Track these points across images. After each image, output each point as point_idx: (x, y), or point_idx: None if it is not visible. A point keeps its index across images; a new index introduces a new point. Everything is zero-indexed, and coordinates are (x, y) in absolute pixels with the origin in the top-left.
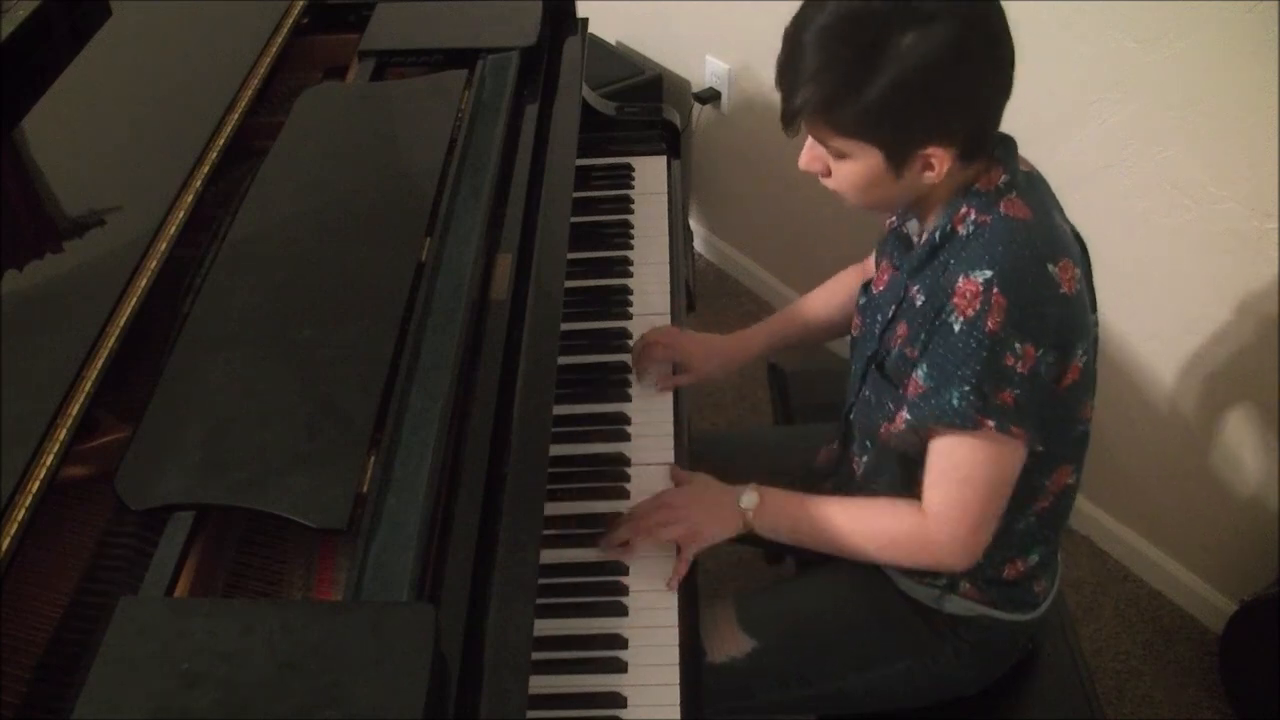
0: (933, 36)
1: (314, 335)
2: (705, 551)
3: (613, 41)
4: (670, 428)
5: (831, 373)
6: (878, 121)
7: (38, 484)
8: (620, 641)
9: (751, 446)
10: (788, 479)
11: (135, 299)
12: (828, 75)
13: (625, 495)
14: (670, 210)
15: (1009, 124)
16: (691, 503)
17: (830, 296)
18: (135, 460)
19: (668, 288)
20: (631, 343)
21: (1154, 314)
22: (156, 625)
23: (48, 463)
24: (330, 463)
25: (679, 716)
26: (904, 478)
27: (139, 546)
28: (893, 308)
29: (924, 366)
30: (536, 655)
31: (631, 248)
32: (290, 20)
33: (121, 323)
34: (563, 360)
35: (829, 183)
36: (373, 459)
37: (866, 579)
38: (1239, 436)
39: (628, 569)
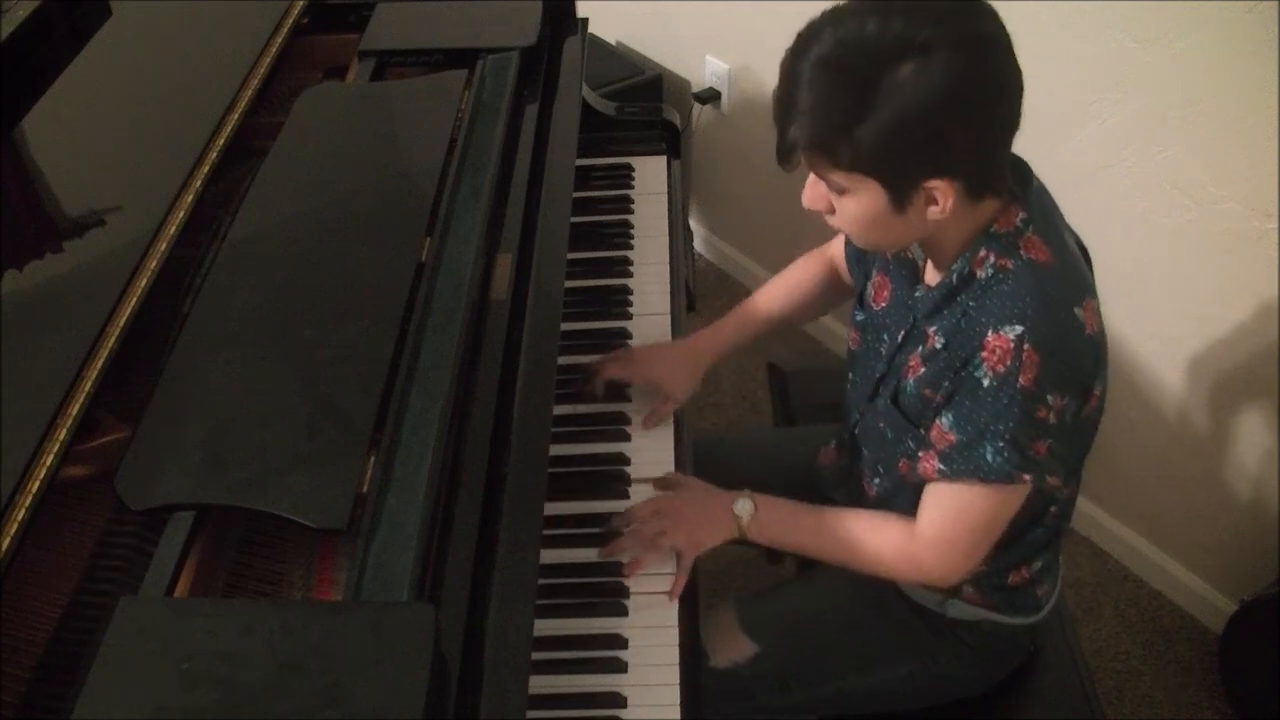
0: (931, 69)
1: (314, 335)
2: (706, 553)
3: (613, 41)
4: (670, 428)
5: (831, 372)
6: (875, 156)
7: (38, 484)
8: (620, 641)
9: (751, 447)
10: (789, 479)
11: (135, 299)
12: (823, 110)
13: (625, 495)
14: (670, 210)
15: None
16: (686, 509)
17: (792, 289)
18: (135, 460)
19: (668, 288)
20: (632, 343)
21: (1154, 314)
22: (156, 625)
23: (48, 463)
24: (330, 463)
25: (679, 717)
26: (919, 501)
27: (139, 546)
28: (902, 334)
29: (949, 416)
30: (536, 655)
31: (631, 248)
32: (290, 20)
33: (121, 323)
34: (563, 360)
35: (833, 221)
36: (373, 459)
37: (868, 581)
38: (1239, 437)
39: None
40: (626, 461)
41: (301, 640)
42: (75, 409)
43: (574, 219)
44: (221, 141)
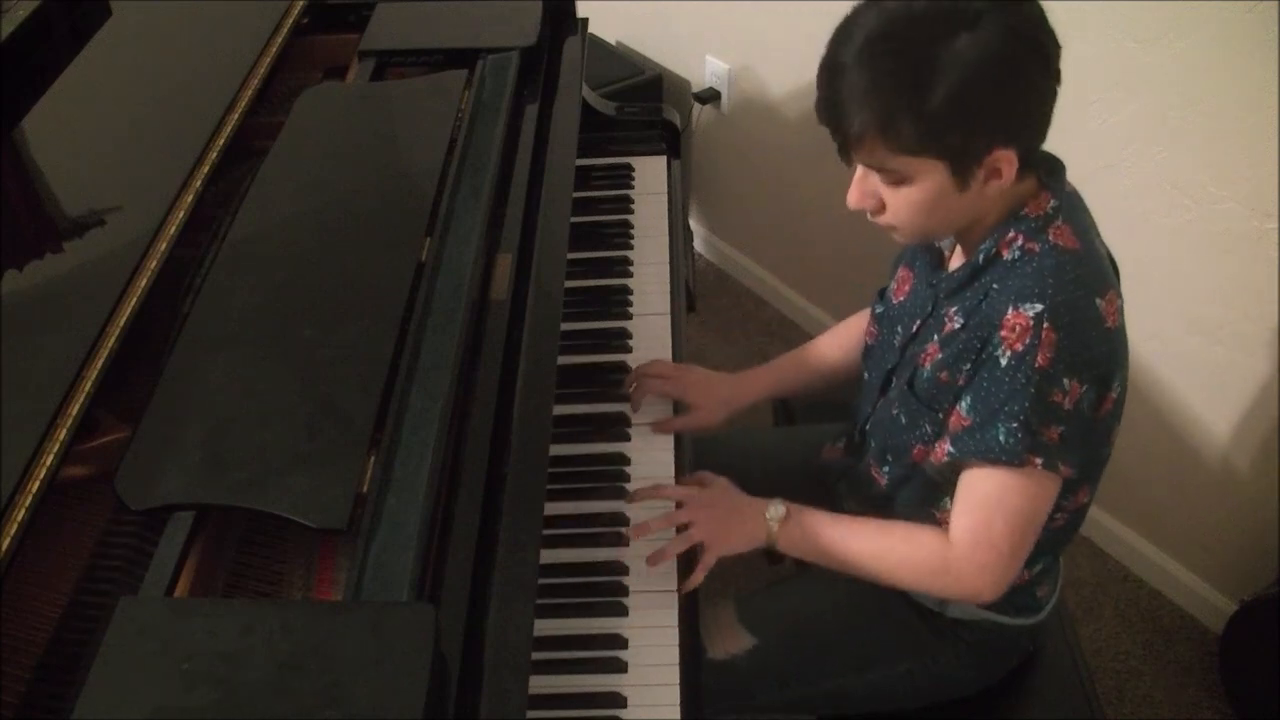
0: (985, 36)
1: (314, 335)
2: (729, 558)
3: (613, 41)
4: None
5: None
6: (943, 131)
7: (38, 484)
8: (620, 641)
9: (752, 447)
10: (789, 479)
11: (135, 299)
12: (882, 92)
13: (625, 495)
14: (670, 210)
15: None
16: (719, 504)
17: (842, 340)
18: (135, 460)
19: (668, 288)
20: (632, 343)
21: (1154, 314)
22: (156, 625)
23: (48, 463)
24: (330, 463)
25: (679, 716)
26: (930, 494)
27: (139, 546)
28: (917, 323)
29: (968, 399)
30: (536, 655)
31: (631, 248)
32: (290, 20)
33: (121, 323)
34: (563, 360)
35: (884, 218)
36: (373, 459)
37: (868, 580)
38: (1239, 437)
39: (628, 569)
40: (626, 461)
41: (301, 640)
42: (75, 409)
43: (574, 219)
44: (221, 141)
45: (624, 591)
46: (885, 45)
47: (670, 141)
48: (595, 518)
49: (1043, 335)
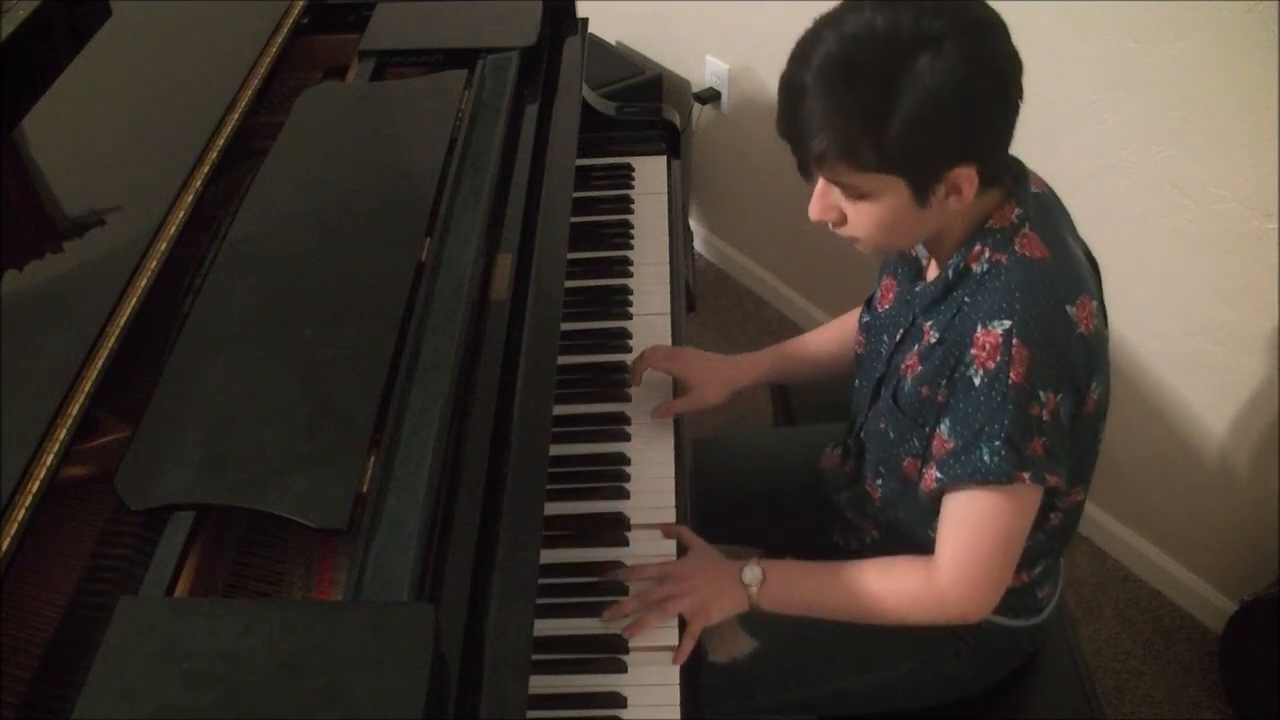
0: (946, 58)
1: (314, 335)
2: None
3: (613, 41)
4: (670, 428)
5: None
6: (903, 152)
7: (38, 484)
8: (620, 642)
9: (752, 448)
10: (788, 480)
11: (135, 299)
12: (842, 115)
13: (625, 495)
14: (670, 210)
15: None
16: (696, 576)
17: (837, 335)
18: (135, 460)
19: (668, 288)
20: (632, 343)
21: (1154, 314)
22: (156, 625)
23: (48, 463)
24: (330, 463)
25: (679, 716)
26: (926, 514)
27: (139, 546)
28: (900, 332)
29: (947, 421)
30: (536, 655)
31: (631, 248)
32: (290, 20)
33: (121, 323)
34: (563, 360)
35: (845, 230)
36: (373, 459)
37: None
38: (1239, 437)
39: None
40: (626, 461)
41: (301, 640)
42: (75, 409)
43: (574, 219)
44: (221, 141)
45: (624, 591)
46: (845, 68)
47: (670, 141)
48: (595, 518)
49: (1014, 352)
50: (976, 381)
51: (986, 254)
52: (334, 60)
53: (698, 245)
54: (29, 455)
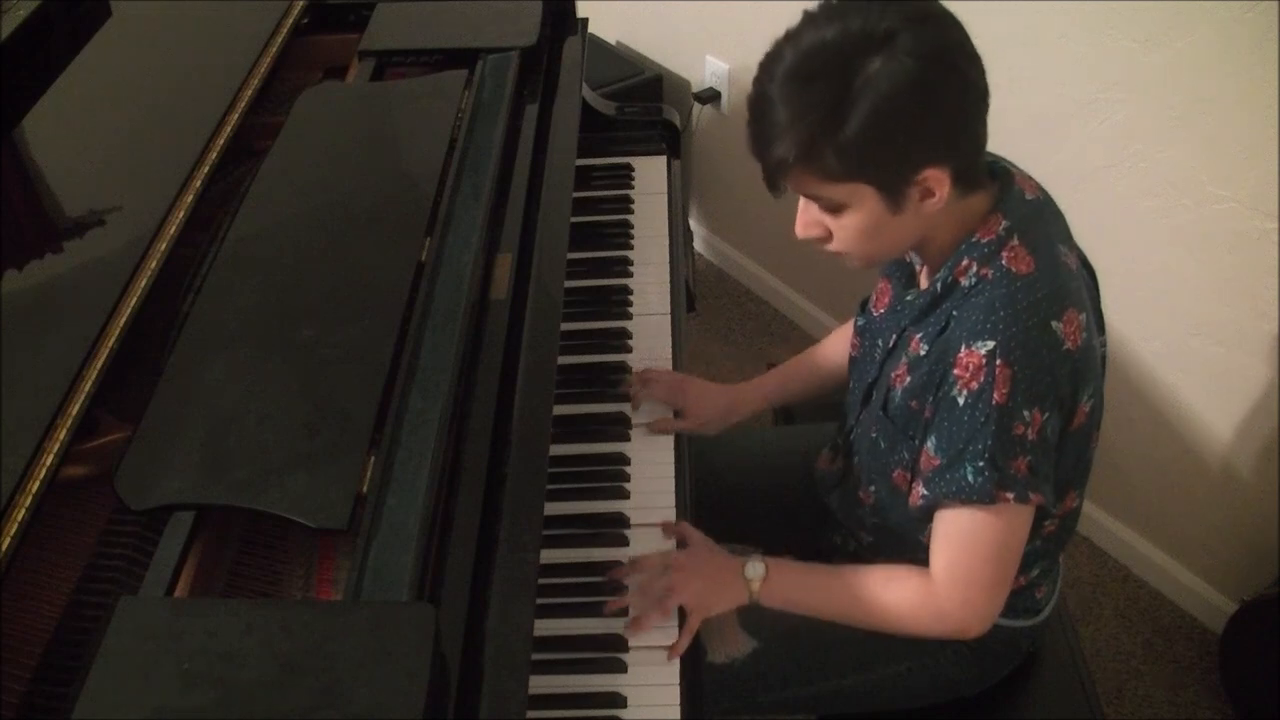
0: (900, 57)
1: (314, 335)
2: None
3: (613, 41)
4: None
5: None
6: (864, 156)
7: (38, 484)
8: (620, 642)
9: (751, 446)
10: (787, 479)
11: (135, 299)
12: (803, 120)
13: (625, 495)
14: (670, 210)
15: (1011, 123)
16: (697, 569)
17: (844, 343)
18: (135, 460)
19: (668, 288)
20: (632, 343)
21: (1154, 314)
22: (156, 625)
23: (48, 463)
24: (330, 463)
25: (679, 716)
26: (917, 522)
27: (139, 546)
28: (894, 338)
29: (933, 439)
30: (536, 655)
31: (631, 248)
32: (290, 20)
33: (121, 323)
34: (563, 360)
35: (832, 246)
36: (373, 459)
37: None
38: (1239, 437)
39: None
40: (626, 461)
41: (301, 640)
42: (75, 409)
43: (574, 219)
44: (221, 141)
45: (624, 591)
46: (802, 76)
47: (670, 141)
48: (595, 518)
49: (997, 372)
50: (960, 401)
51: (974, 268)
52: (334, 60)
53: (698, 245)
54: (29, 455)
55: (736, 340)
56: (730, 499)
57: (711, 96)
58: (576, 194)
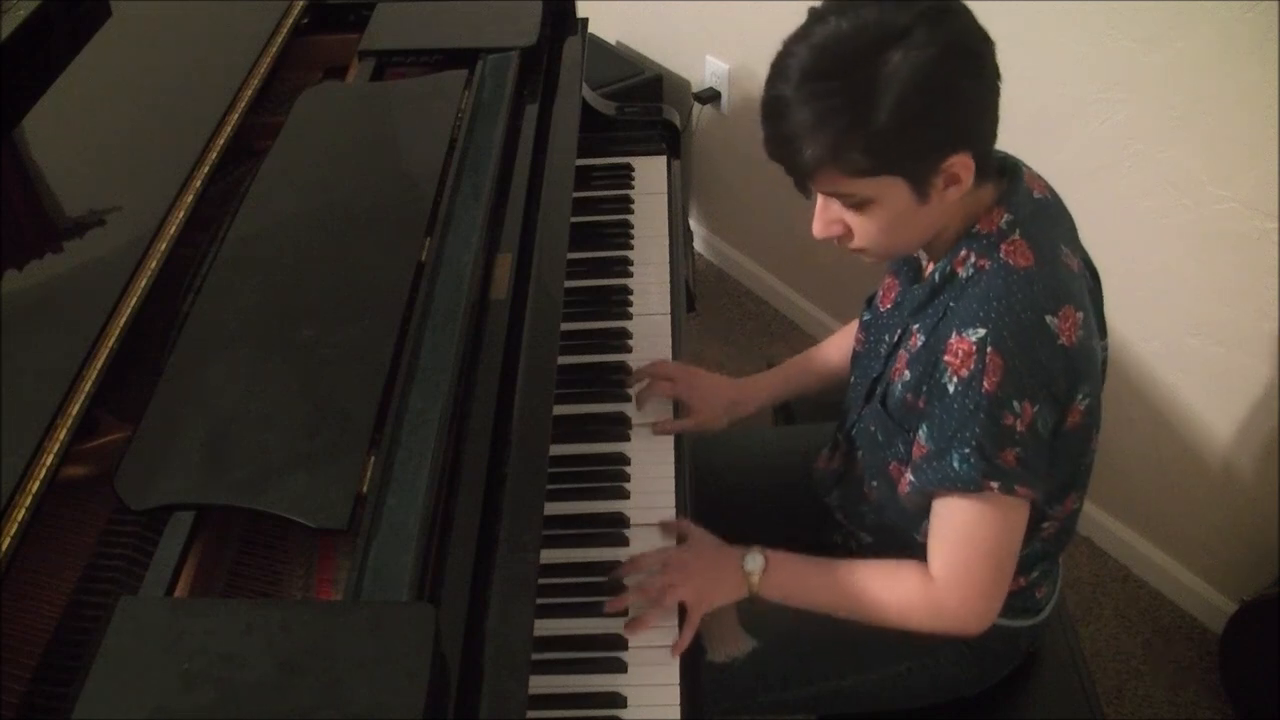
0: (918, 47)
1: (314, 335)
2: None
3: (613, 41)
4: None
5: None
6: (893, 149)
7: (38, 484)
8: (620, 642)
9: (751, 446)
10: (787, 479)
11: (135, 299)
12: (827, 123)
13: (625, 495)
14: (670, 210)
15: (1011, 123)
16: (696, 563)
17: (846, 343)
18: (135, 460)
19: (668, 288)
20: (632, 343)
21: (1154, 314)
22: (156, 625)
23: (48, 463)
24: (330, 463)
25: (679, 716)
26: (915, 518)
27: (139, 546)
28: (898, 333)
29: (924, 427)
30: (536, 655)
31: (631, 248)
32: (290, 20)
33: (122, 322)
34: (563, 360)
35: (853, 243)
36: (373, 459)
37: None
38: (1239, 437)
39: None
40: (626, 461)
41: (301, 640)
42: (75, 409)
43: (574, 219)
44: (221, 141)
45: (624, 591)
46: (822, 75)
47: (670, 141)
48: (595, 518)
49: (988, 360)
50: (950, 389)
51: (972, 259)
52: (334, 60)
53: (698, 245)
54: (29, 455)
55: (736, 340)
56: (730, 499)
57: (711, 96)
58: (576, 194)
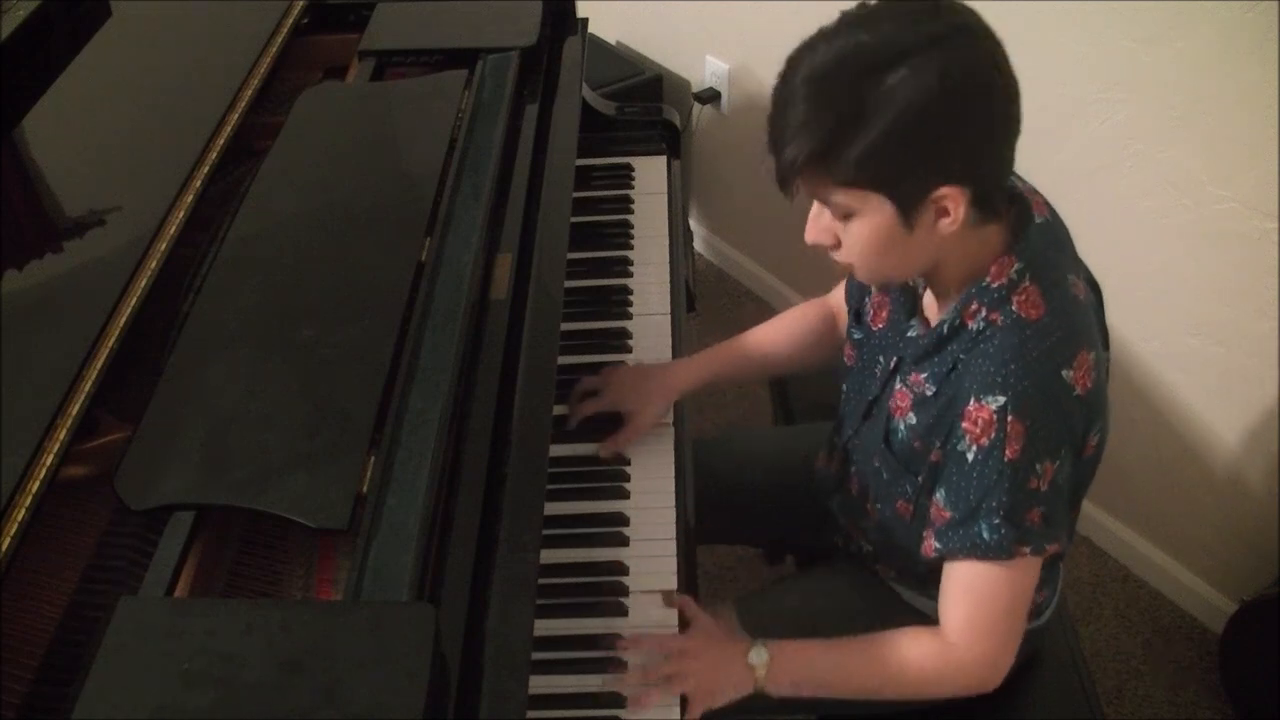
0: (924, 71)
1: (314, 335)
2: (703, 551)
3: (613, 41)
4: (670, 428)
5: (831, 372)
6: (879, 165)
7: (38, 484)
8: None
9: (751, 446)
10: (788, 480)
11: (135, 299)
12: (820, 120)
13: (625, 495)
14: (670, 210)
15: None
16: (703, 656)
17: (784, 335)
18: (135, 460)
19: (668, 288)
20: (632, 343)
21: (1154, 314)
22: (156, 625)
23: (48, 463)
24: (330, 463)
25: (679, 717)
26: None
27: (139, 546)
28: (895, 360)
29: (943, 491)
30: (536, 655)
31: (631, 248)
32: (290, 20)
33: (121, 323)
34: (563, 360)
35: (840, 255)
36: (373, 459)
37: (866, 581)
38: (1239, 437)
39: (628, 569)
40: (626, 461)
41: (301, 640)
42: (75, 409)
43: (574, 219)
44: (221, 141)
45: (624, 591)
46: (826, 79)
47: (670, 141)
48: (595, 518)
49: (1009, 428)
50: (970, 457)
51: (983, 312)
52: (334, 60)
53: (698, 245)
54: (29, 455)
55: None
56: (730, 499)
57: (711, 96)
58: (576, 194)
